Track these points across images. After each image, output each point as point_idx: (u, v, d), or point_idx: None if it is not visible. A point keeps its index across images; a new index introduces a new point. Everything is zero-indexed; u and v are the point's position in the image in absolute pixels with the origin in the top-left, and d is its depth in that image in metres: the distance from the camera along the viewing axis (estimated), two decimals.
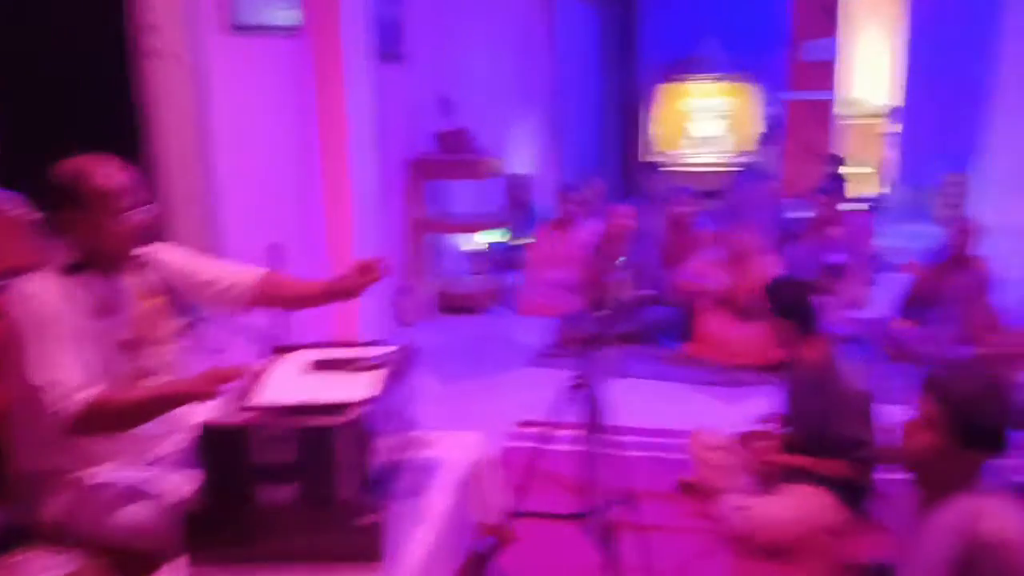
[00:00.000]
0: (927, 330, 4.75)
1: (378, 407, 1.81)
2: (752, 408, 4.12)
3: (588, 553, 2.79)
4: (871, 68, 9.69)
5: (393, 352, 2.06)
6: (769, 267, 4.75)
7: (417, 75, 5.60)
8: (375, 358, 2.01)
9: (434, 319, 5.81)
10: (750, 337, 4.63)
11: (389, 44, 5.10)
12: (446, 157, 5.76)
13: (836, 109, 9.21)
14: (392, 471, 1.93)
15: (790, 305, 3.08)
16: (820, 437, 2.97)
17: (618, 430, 3.79)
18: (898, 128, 10.16)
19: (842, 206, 5.69)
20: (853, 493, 3.00)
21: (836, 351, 3.06)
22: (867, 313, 5.65)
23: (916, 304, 4.88)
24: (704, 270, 5.02)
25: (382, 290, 4.14)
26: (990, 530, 1.82)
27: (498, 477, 2.48)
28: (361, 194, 4.53)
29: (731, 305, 4.83)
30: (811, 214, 5.26)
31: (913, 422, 1.97)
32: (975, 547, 1.82)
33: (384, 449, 1.86)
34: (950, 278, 4.77)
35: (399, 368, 2.00)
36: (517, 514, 2.72)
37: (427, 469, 2.15)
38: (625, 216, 5.38)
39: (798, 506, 2.94)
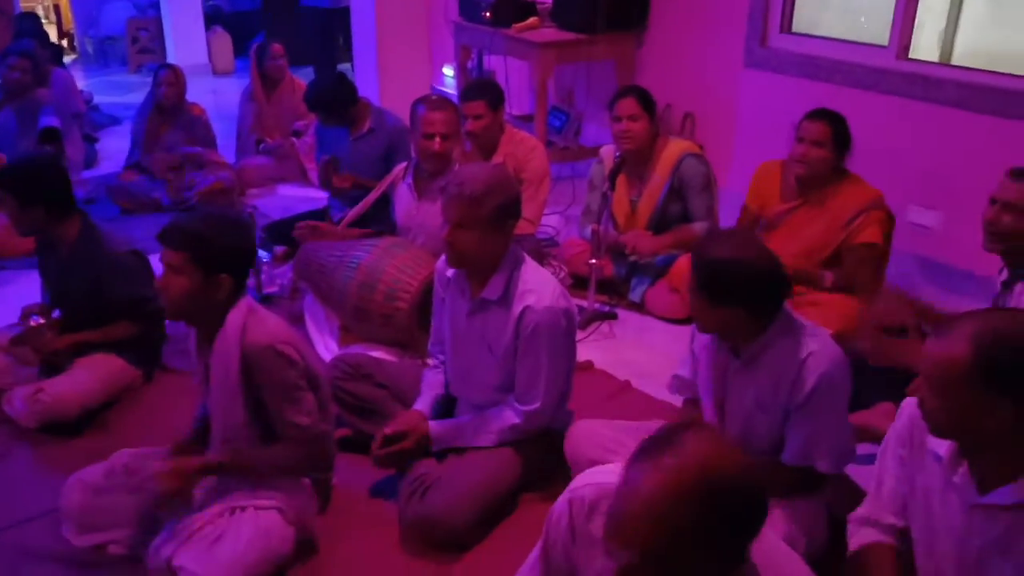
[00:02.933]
0: (151, 179, 4.98)
1: None
2: (11, 294, 3.91)
3: None
4: None
5: None
6: None
7: None
8: None
9: None
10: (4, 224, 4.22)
11: None
12: None
13: None
14: None
15: (34, 192, 2.88)
16: (98, 307, 2.98)
17: None
18: None
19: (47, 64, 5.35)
20: (149, 348, 3.16)
21: (90, 221, 3.04)
22: (96, 171, 5.63)
23: (137, 154, 5.04)
24: None
25: None
26: (255, 337, 2.14)
27: None
28: None
29: None
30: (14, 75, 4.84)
31: (165, 273, 2.15)
32: (246, 354, 2.14)
33: None
34: (164, 128, 5.03)
35: None
36: None
37: None
38: None
39: (93, 374, 2.98)
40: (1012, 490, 1.50)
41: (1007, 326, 1.46)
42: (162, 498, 2.14)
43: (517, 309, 2.38)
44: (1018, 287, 2.42)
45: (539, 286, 2.40)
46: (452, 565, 2.32)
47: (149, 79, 5.14)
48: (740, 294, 1.99)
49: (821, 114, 3.26)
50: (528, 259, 2.48)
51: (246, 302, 2.21)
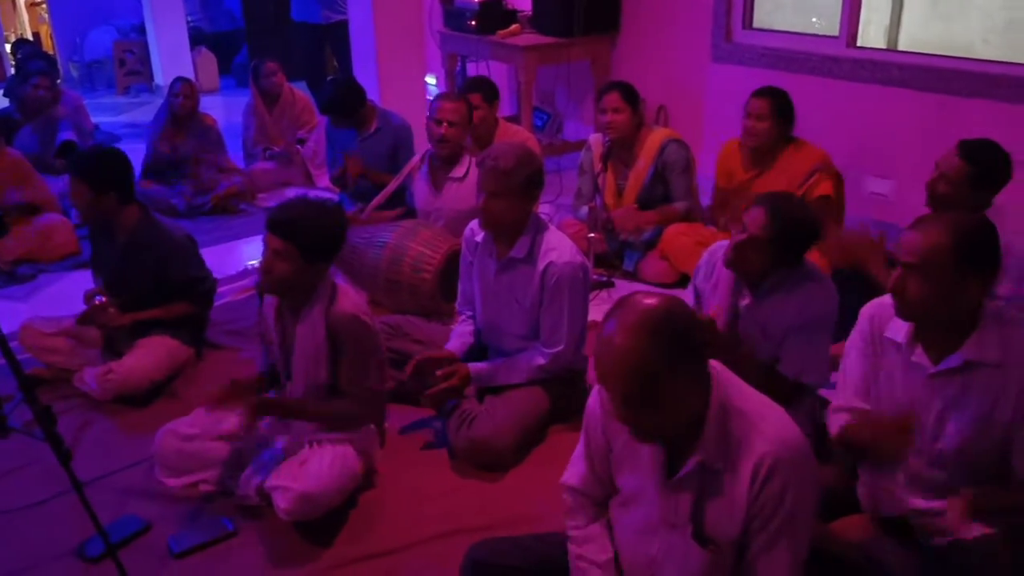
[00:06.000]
0: (171, 187, 5.33)
1: None
2: (56, 292, 4.25)
3: None
4: None
5: None
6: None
7: None
8: None
9: None
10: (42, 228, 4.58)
11: None
12: None
13: None
14: None
15: (107, 179, 3.19)
16: (158, 288, 3.32)
17: None
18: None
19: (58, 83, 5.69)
20: (198, 328, 3.51)
21: (147, 208, 3.37)
22: None
23: (156, 165, 5.38)
24: None
25: None
26: (342, 308, 2.50)
27: None
28: None
29: None
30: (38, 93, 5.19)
31: (269, 256, 2.45)
32: (333, 321, 2.50)
33: None
34: (179, 137, 5.39)
35: None
36: None
37: None
38: None
39: (154, 352, 3.32)
40: (958, 355, 1.95)
41: (971, 219, 1.93)
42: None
43: (541, 265, 2.80)
44: None
45: (559, 244, 2.82)
46: (495, 484, 2.73)
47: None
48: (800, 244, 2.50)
49: (764, 92, 3.71)
50: (549, 224, 2.90)
51: (331, 278, 2.57)
